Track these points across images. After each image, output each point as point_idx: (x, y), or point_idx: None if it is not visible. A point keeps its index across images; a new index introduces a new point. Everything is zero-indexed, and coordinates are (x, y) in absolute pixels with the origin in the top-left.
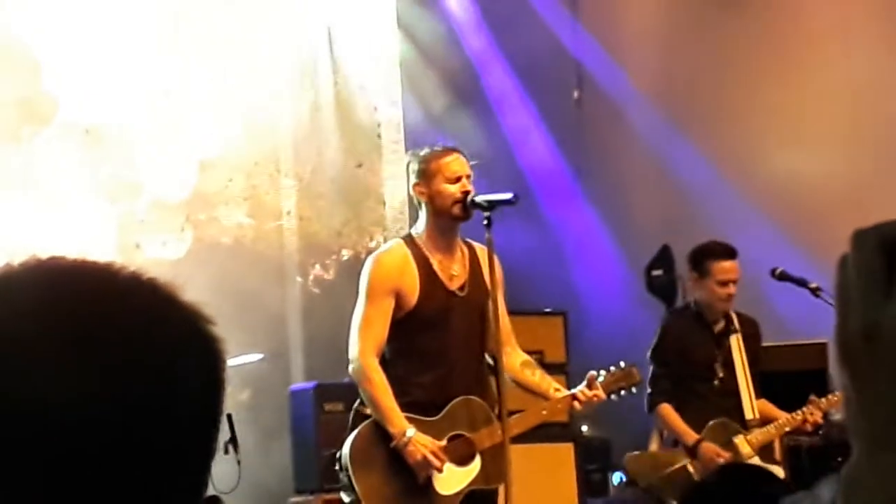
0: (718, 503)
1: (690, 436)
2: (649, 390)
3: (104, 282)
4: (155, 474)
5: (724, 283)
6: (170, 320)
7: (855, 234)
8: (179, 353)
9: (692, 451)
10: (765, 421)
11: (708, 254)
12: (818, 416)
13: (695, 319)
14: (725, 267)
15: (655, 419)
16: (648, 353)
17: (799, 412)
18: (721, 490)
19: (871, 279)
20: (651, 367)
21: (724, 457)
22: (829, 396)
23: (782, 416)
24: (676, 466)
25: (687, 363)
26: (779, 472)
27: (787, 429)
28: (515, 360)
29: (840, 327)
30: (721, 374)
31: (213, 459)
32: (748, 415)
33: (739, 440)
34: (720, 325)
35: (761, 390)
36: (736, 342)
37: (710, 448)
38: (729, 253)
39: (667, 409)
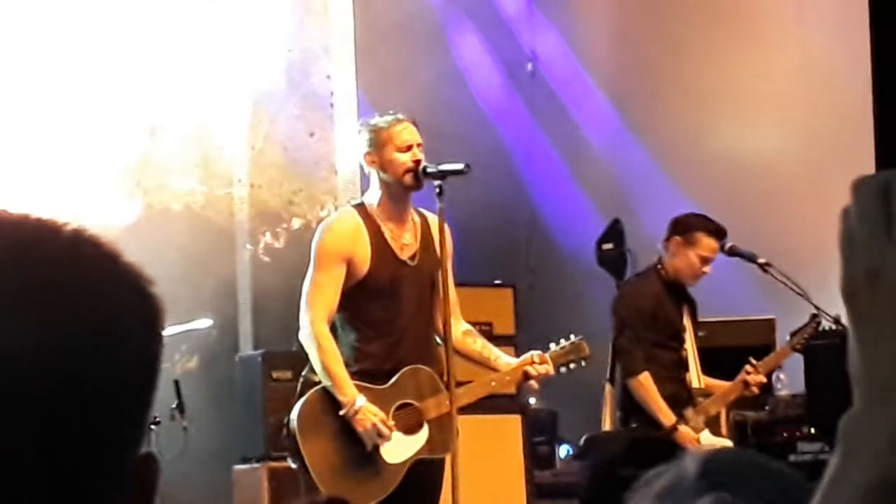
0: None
1: (668, 417)
2: (626, 357)
3: (48, 235)
4: (95, 421)
5: (706, 261)
6: (111, 274)
7: (855, 182)
8: (120, 305)
9: (668, 432)
10: (708, 392)
11: (700, 226)
12: (760, 378)
13: (666, 286)
14: (714, 246)
15: (629, 389)
16: (620, 319)
17: (739, 377)
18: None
19: (872, 223)
20: (625, 333)
21: (697, 447)
22: (766, 359)
23: (724, 385)
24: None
25: (657, 331)
26: (727, 445)
27: (732, 397)
28: (457, 329)
29: (845, 273)
30: (686, 344)
31: (150, 411)
32: (695, 383)
33: (690, 413)
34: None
35: (706, 366)
36: (687, 310)
37: (688, 436)
38: (721, 234)
39: (648, 380)
